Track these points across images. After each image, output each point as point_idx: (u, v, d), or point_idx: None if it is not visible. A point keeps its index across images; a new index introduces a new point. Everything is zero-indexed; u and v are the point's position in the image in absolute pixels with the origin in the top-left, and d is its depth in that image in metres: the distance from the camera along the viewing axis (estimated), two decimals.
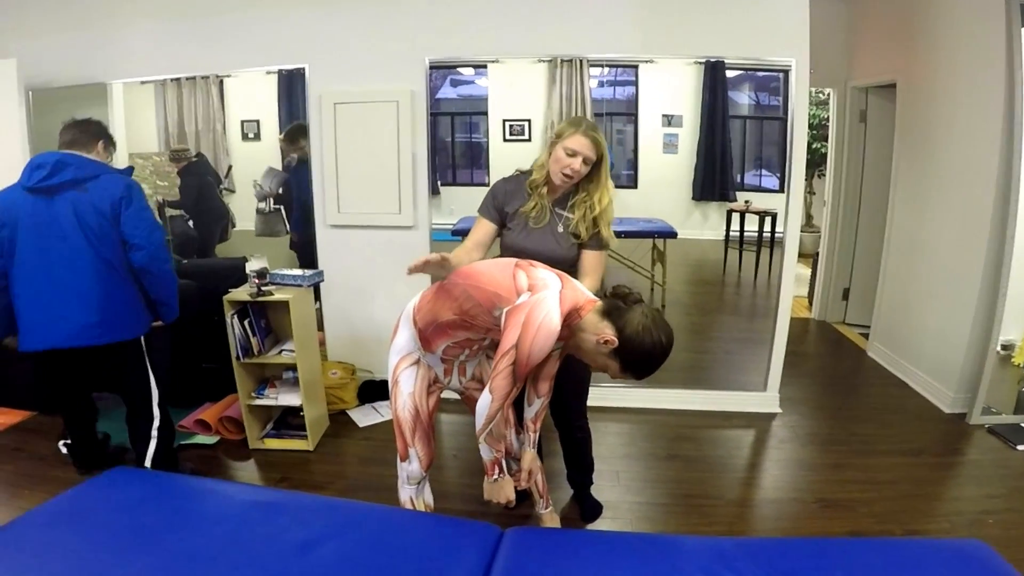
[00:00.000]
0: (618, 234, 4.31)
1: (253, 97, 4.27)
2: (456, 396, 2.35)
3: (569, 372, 2.35)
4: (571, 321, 1.82)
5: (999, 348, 4.01)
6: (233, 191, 4.44)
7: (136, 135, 4.28)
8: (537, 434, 2.25)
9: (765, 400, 3.81)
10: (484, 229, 2.36)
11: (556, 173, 2.22)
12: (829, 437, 3.56)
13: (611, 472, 3.07)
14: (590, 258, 2.32)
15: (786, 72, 3.48)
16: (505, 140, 4.39)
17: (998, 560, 1.38)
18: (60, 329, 2.60)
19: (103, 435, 3.23)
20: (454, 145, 4.62)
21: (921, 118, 4.15)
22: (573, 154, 2.16)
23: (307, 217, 4.02)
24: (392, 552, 1.35)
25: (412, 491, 2.23)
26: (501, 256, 2.31)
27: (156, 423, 2.88)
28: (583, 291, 1.92)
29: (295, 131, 4.06)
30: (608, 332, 1.73)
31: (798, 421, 3.74)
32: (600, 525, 2.74)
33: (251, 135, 4.38)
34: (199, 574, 1.27)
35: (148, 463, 2.87)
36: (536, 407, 2.21)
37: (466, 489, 2.88)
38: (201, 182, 4.37)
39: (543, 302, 1.75)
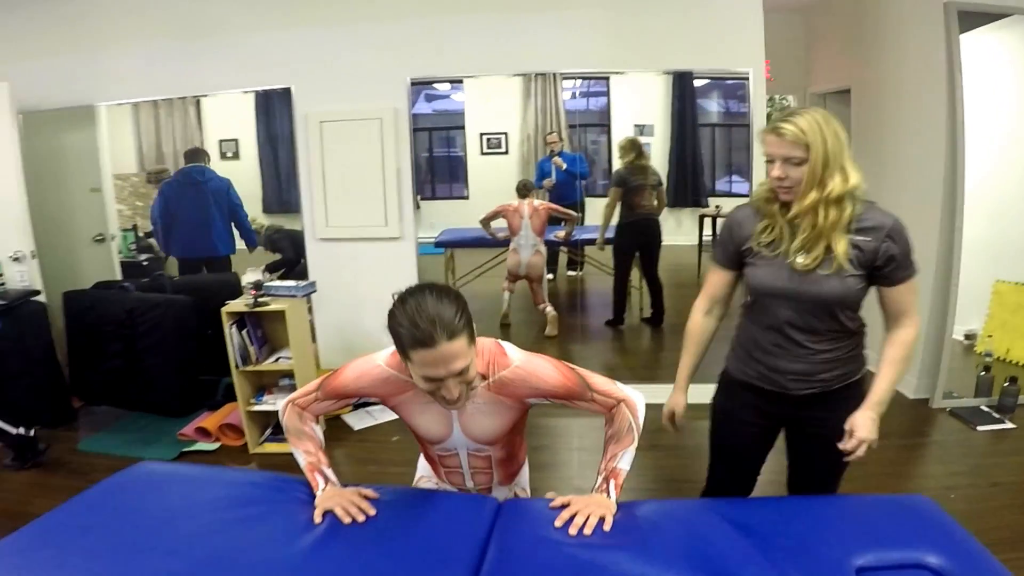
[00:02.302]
0: (590, 241, 4.55)
1: (231, 116, 4.37)
2: None
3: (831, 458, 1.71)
4: None
5: (963, 338, 4.25)
6: None
7: (117, 156, 4.39)
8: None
9: None
10: (718, 279, 1.84)
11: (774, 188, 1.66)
12: None
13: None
14: (896, 296, 1.64)
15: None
16: (483, 154, 4.54)
17: (939, 512, 1.54)
18: None
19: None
20: (432, 160, 4.74)
21: (874, 121, 4.38)
22: (771, 159, 1.62)
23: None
24: (406, 521, 1.51)
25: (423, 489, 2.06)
26: (749, 301, 1.81)
27: None
28: None
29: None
30: None
31: None
32: None
33: (229, 154, 4.48)
34: (250, 528, 1.50)
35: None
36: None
37: None
38: None
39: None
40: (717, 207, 4.65)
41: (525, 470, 2.01)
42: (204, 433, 3.55)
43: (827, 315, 1.64)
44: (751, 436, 1.93)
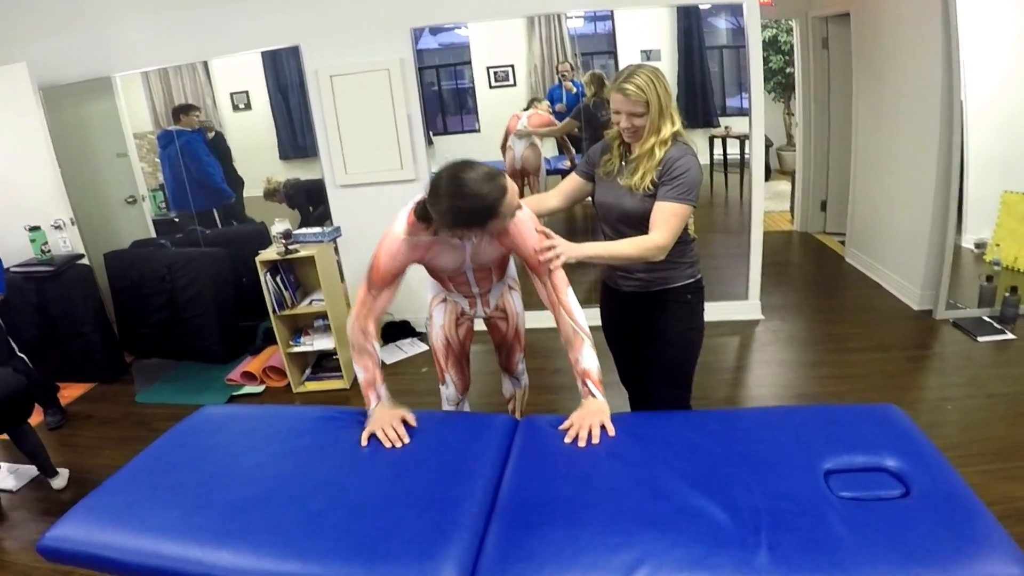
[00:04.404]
0: None
1: (239, 69, 4.42)
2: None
3: (659, 356, 2.20)
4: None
5: (973, 247, 4.32)
6: None
7: (134, 116, 4.51)
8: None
9: (748, 308, 4.18)
10: (570, 181, 2.24)
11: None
12: (807, 338, 3.91)
13: (615, 383, 3.46)
14: (654, 211, 1.92)
15: None
16: (491, 87, 4.59)
17: (907, 421, 1.70)
18: None
19: None
20: (441, 95, 4.81)
21: (873, 43, 4.41)
22: (617, 112, 1.97)
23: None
24: (438, 442, 1.76)
25: (451, 412, 2.48)
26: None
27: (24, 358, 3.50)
28: None
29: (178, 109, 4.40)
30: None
31: (779, 326, 4.08)
32: None
33: (241, 105, 4.55)
34: (306, 455, 1.76)
35: None
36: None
37: (488, 408, 3.20)
38: None
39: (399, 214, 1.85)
40: (727, 128, 4.72)
41: (510, 263, 2.31)
42: (250, 377, 3.82)
43: (629, 226, 2.00)
44: (609, 324, 2.37)
